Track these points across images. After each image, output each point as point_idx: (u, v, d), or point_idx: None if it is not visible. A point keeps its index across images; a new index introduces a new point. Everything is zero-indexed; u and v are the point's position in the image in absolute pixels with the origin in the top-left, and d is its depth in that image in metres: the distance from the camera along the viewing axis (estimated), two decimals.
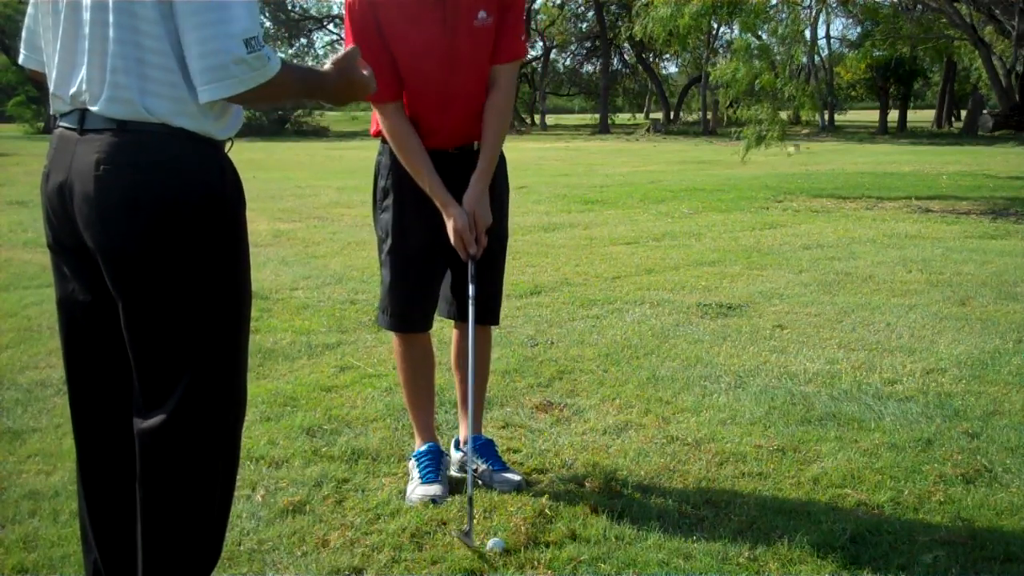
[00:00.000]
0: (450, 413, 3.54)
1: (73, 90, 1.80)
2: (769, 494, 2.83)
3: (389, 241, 2.87)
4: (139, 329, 1.80)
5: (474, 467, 2.90)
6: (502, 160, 2.90)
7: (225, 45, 1.66)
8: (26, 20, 1.93)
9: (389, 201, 2.87)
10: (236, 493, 2.22)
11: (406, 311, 2.91)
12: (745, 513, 2.68)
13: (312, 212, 10.40)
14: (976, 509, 2.71)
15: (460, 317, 2.98)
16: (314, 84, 1.93)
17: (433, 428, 3.06)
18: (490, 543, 2.46)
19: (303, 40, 52.16)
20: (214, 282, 1.82)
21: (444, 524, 2.62)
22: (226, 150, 1.88)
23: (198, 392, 1.82)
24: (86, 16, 1.76)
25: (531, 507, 2.67)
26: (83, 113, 1.79)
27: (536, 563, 2.39)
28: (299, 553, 2.47)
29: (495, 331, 3.34)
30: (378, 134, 2.86)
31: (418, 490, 2.81)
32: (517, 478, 2.87)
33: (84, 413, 1.99)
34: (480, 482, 2.89)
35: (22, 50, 1.97)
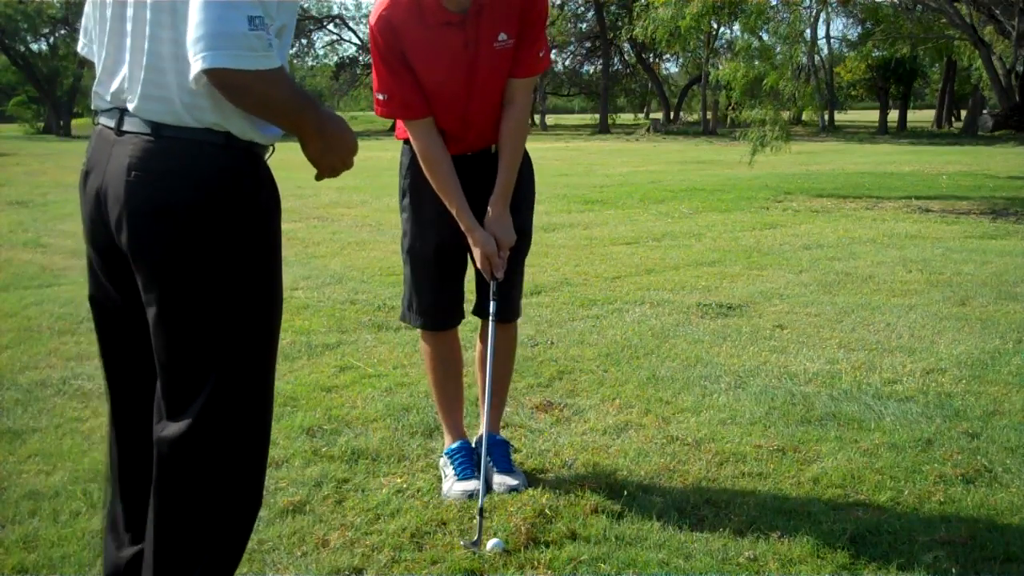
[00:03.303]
0: (471, 414, 3.53)
1: (114, 87, 1.78)
2: (769, 494, 2.83)
3: (407, 240, 2.92)
4: (165, 335, 1.78)
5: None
6: (526, 159, 2.93)
7: (227, 14, 1.56)
8: (85, 7, 1.91)
9: (407, 201, 2.91)
10: None
11: (431, 308, 2.94)
12: (745, 513, 2.68)
13: (312, 212, 10.40)
14: (976, 509, 2.71)
15: (478, 314, 3.01)
16: (308, 103, 1.75)
17: (462, 425, 3.07)
18: (490, 543, 2.45)
19: (303, 40, 52.21)
20: (244, 291, 1.79)
21: (444, 524, 2.62)
22: (267, 156, 1.83)
23: (220, 402, 1.79)
24: (130, 12, 1.74)
25: (531, 507, 2.67)
26: (122, 113, 1.77)
27: (536, 563, 2.39)
28: (299, 553, 2.47)
29: None
30: (401, 137, 2.90)
31: (456, 486, 2.82)
32: (514, 482, 2.86)
33: (121, 408, 1.98)
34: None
35: (80, 37, 1.93)
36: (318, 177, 1.89)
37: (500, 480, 2.86)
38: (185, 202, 1.71)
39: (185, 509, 1.83)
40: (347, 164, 1.86)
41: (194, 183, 1.72)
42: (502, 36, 2.66)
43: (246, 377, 1.83)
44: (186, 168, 1.71)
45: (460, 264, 2.94)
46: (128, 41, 1.76)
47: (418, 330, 3.07)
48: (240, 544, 1.92)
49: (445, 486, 2.86)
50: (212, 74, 1.58)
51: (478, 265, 2.82)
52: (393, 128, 3.23)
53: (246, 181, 1.77)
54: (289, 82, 1.69)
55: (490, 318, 2.84)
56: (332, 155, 1.82)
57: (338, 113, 1.87)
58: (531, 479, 2.93)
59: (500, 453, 2.95)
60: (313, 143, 1.79)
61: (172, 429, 1.80)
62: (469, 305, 3.05)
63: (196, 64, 1.58)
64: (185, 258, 1.73)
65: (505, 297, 2.88)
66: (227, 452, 1.83)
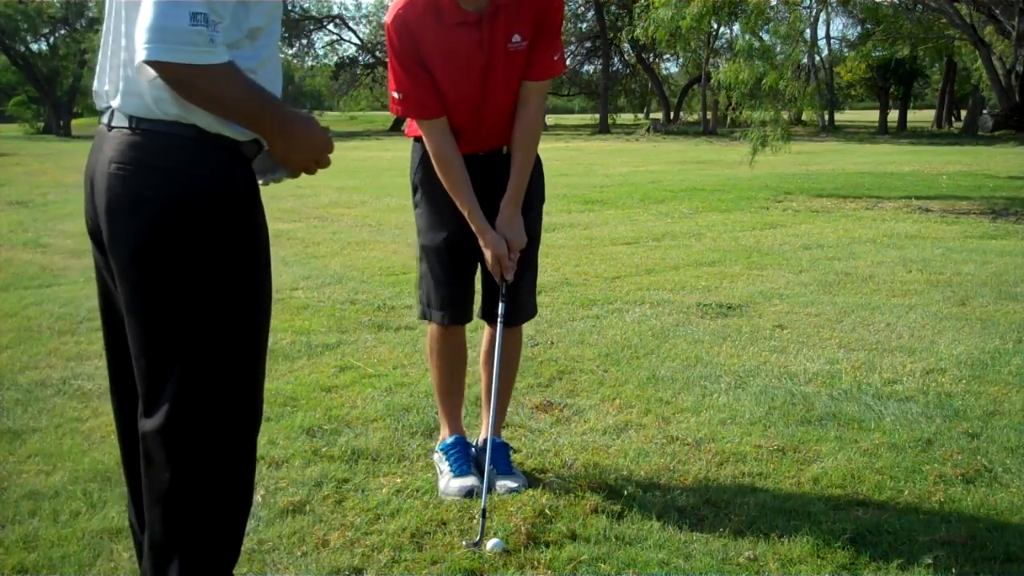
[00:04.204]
0: (471, 414, 3.53)
1: (107, 86, 1.85)
2: (769, 494, 2.83)
3: (421, 237, 2.93)
4: (134, 327, 1.81)
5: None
6: (537, 162, 2.92)
7: (170, 9, 1.61)
8: None
9: (419, 197, 2.92)
10: None
11: (445, 304, 2.94)
12: (745, 513, 2.68)
13: (312, 212, 10.40)
14: (976, 509, 2.71)
15: (483, 317, 3.02)
16: (267, 102, 1.75)
17: (460, 420, 3.07)
18: (490, 543, 2.46)
19: (303, 40, 52.21)
20: (213, 287, 1.80)
21: (444, 524, 2.62)
22: (255, 154, 1.85)
23: (189, 398, 1.81)
24: (113, 12, 1.81)
25: (531, 507, 2.67)
26: (113, 110, 1.83)
27: (536, 563, 2.39)
28: (299, 553, 2.47)
29: None
30: (411, 135, 2.91)
31: (453, 483, 2.82)
32: (514, 484, 2.86)
33: (122, 403, 2.00)
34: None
35: None
36: (293, 176, 1.90)
37: (501, 483, 2.86)
38: (155, 195, 1.75)
39: (167, 502, 1.85)
40: (320, 164, 1.89)
41: (164, 176, 1.76)
42: (516, 38, 2.67)
43: (220, 374, 1.83)
44: (157, 161, 1.76)
45: (471, 260, 2.93)
46: (111, 39, 1.82)
47: (427, 325, 3.05)
48: (228, 540, 1.93)
49: (442, 483, 2.86)
50: (153, 66, 1.64)
51: (488, 267, 2.82)
52: (396, 125, 3.24)
53: (217, 176, 1.79)
54: (241, 80, 1.71)
55: (499, 320, 2.84)
56: (299, 155, 1.84)
57: (313, 113, 1.89)
58: (531, 479, 2.93)
59: (500, 455, 2.95)
60: (275, 143, 1.82)
61: (148, 424, 1.83)
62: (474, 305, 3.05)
63: (138, 56, 1.64)
64: (152, 250, 1.76)
65: (513, 300, 2.88)
66: (202, 448, 1.84)
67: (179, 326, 1.79)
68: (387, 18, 2.68)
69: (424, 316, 3.02)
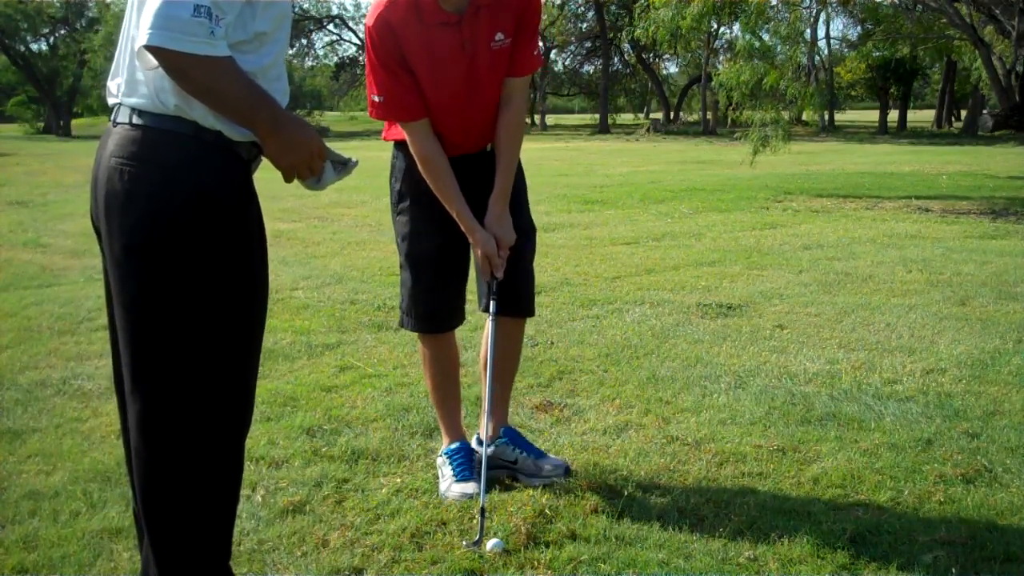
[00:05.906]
0: (471, 414, 3.53)
1: (117, 82, 1.88)
2: (769, 494, 2.83)
3: (406, 244, 2.91)
4: (124, 319, 1.84)
5: (512, 459, 2.93)
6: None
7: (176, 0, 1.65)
8: None
9: (404, 204, 2.91)
10: None
11: (429, 312, 2.93)
12: (745, 513, 2.68)
13: (312, 212, 10.40)
14: (976, 509, 2.71)
15: (484, 309, 3.00)
16: (262, 101, 1.78)
17: (461, 426, 3.07)
18: (490, 543, 2.46)
19: (303, 40, 52.21)
20: (201, 284, 1.81)
21: (444, 524, 2.62)
22: (253, 156, 1.87)
23: (167, 392, 1.83)
24: (130, 7, 1.85)
25: (531, 507, 2.67)
26: (119, 106, 1.86)
27: (536, 563, 2.39)
28: (299, 553, 2.47)
29: None
30: (390, 139, 2.91)
31: (454, 488, 2.83)
32: (562, 461, 2.93)
33: (123, 401, 2.02)
34: (523, 473, 2.92)
35: None
36: (286, 179, 1.91)
37: (551, 465, 2.90)
38: (148, 191, 1.77)
39: (145, 491, 1.88)
40: (313, 169, 1.90)
41: (158, 172, 1.78)
42: (499, 36, 2.67)
43: (201, 371, 1.84)
44: (153, 157, 1.78)
45: (463, 264, 2.94)
46: (123, 34, 1.86)
47: (417, 335, 3.06)
48: (210, 536, 1.94)
49: (443, 486, 2.86)
50: (152, 52, 1.67)
51: (479, 266, 2.82)
52: None
53: (211, 175, 1.80)
54: (238, 76, 1.73)
55: (490, 317, 2.84)
56: (291, 156, 1.86)
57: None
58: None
59: (523, 441, 2.98)
60: (268, 142, 1.83)
61: (130, 414, 1.87)
62: (470, 306, 3.05)
63: (139, 41, 1.68)
64: (142, 245, 1.78)
65: (514, 293, 2.88)
66: (177, 441, 1.85)
67: (163, 320, 1.81)
68: (368, 21, 2.67)
69: (403, 324, 3.01)
